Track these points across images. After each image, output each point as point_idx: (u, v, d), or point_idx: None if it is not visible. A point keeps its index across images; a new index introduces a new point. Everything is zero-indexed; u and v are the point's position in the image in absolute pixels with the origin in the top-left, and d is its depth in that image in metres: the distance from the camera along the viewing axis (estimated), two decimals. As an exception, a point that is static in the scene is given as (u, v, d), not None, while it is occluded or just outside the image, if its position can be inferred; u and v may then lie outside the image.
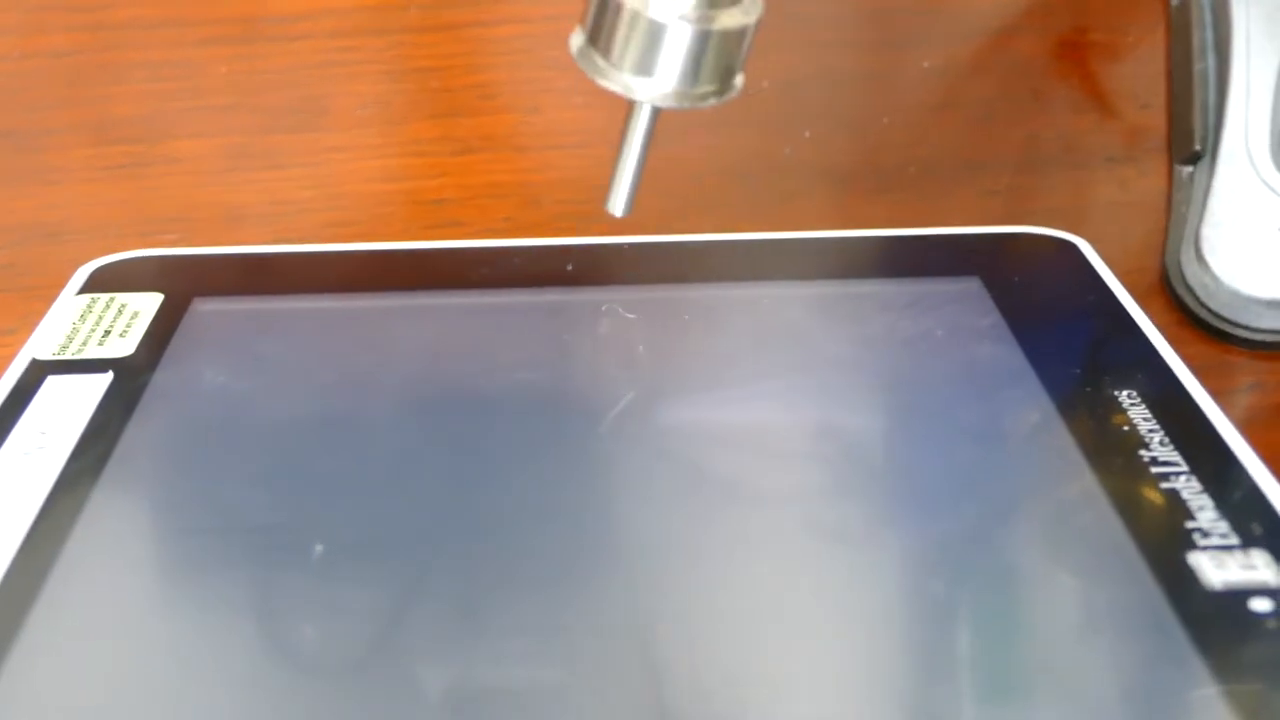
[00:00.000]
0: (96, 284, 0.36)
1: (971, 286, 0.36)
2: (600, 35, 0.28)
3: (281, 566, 0.27)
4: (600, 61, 0.28)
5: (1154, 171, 0.43)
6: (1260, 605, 0.25)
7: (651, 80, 0.27)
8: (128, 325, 0.34)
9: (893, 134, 0.44)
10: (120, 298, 0.35)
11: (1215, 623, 0.25)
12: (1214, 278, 0.38)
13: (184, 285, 0.36)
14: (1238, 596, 0.26)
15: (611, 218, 0.29)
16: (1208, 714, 0.24)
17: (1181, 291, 0.38)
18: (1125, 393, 0.31)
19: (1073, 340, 0.34)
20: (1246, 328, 0.37)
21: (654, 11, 0.27)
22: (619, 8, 0.27)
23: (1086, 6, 0.48)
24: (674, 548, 0.28)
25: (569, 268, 0.36)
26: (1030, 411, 0.31)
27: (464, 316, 0.35)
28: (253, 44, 0.46)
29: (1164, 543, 0.27)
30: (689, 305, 0.35)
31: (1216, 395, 0.32)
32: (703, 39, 0.27)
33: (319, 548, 0.27)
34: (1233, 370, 0.37)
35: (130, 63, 0.45)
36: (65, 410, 0.31)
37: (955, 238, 0.38)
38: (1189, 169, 0.41)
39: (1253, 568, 0.26)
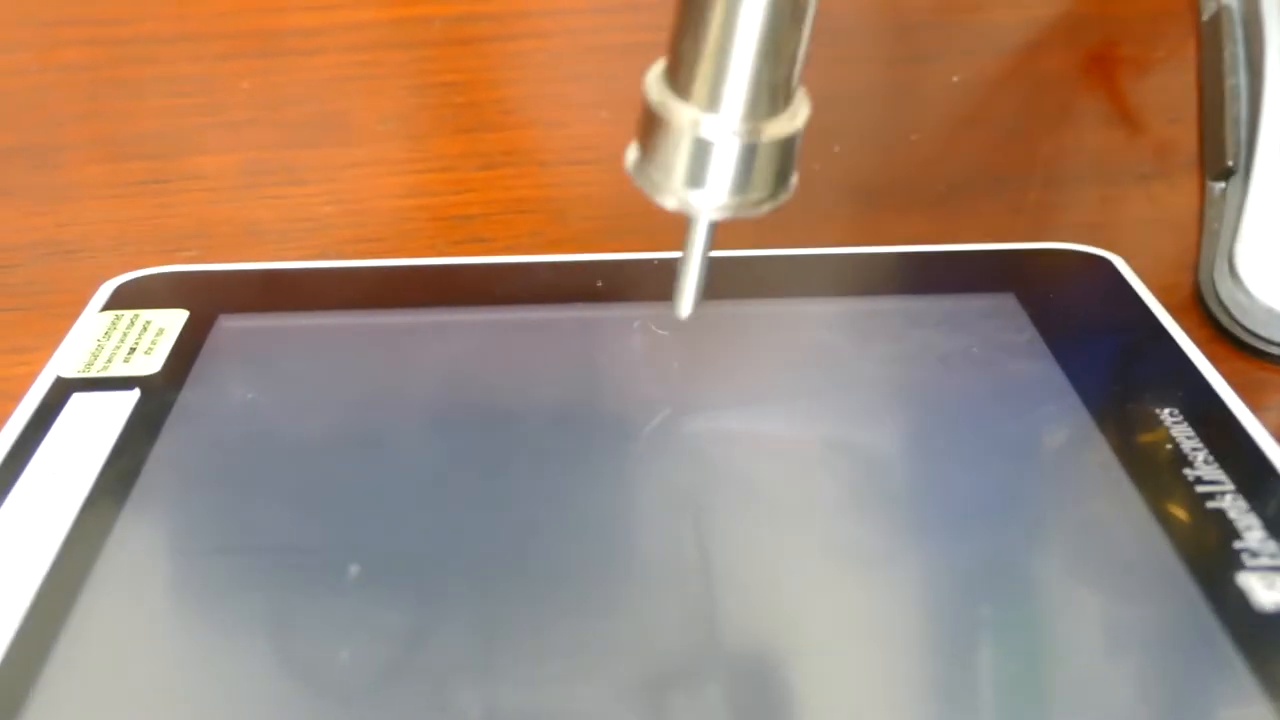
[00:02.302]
0: (120, 300, 0.36)
1: (1006, 303, 0.35)
2: (653, 151, 0.28)
3: (313, 587, 0.27)
4: (656, 176, 0.28)
5: (1185, 187, 0.42)
6: (1313, 626, 0.25)
7: (705, 193, 0.28)
8: (153, 342, 0.34)
9: (921, 149, 0.44)
10: (145, 314, 0.35)
11: (1268, 644, 0.25)
12: (1248, 294, 0.37)
13: (209, 302, 0.35)
14: (1290, 617, 0.25)
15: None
16: (1264, 738, 0.24)
17: (1215, 308, 0.38)
18: (1167, 410, 0.31)
19: (1110, 357, 0.34)
20: (1281, 344, 0.37)
21: (704, 130, 0.27)
22: (667, 126, 0.27)
23: (1115, 20, 0.48)
24: (712, 566, 0.28)
25: (599, 284, 0.36)
26: (1071, 429, 0.31)
27: (493, 333, 0.35)
28: (273, 58, 0.46)
29: (1213, 564, 0.27)
30: (722, 322, 0.35)
31: (1252, 412, 0.31)
32: (751, 152, 0.27)
33: (354, 568, 0.27)
34: (1267, 387, 0.37)
35: (149, 78, 0.45)
36: (91, 428, 0.31)
37: (988, 254, 0.37)
38: (1221, 185, 0.40)
39: (1304, 588, 0.26)
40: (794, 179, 0.29)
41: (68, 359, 0.33)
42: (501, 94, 0.45)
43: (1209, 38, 0.44)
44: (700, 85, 0.27)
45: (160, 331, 0.34)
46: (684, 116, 0.27)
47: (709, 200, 0.28)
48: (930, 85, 0.46)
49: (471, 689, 0.25)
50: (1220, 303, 0.38)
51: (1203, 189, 0.41)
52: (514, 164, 0.43)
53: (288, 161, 0.43)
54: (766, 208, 0.28)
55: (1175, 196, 0.42)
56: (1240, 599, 0.26)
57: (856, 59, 0.46)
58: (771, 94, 0.27)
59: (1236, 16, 0.43)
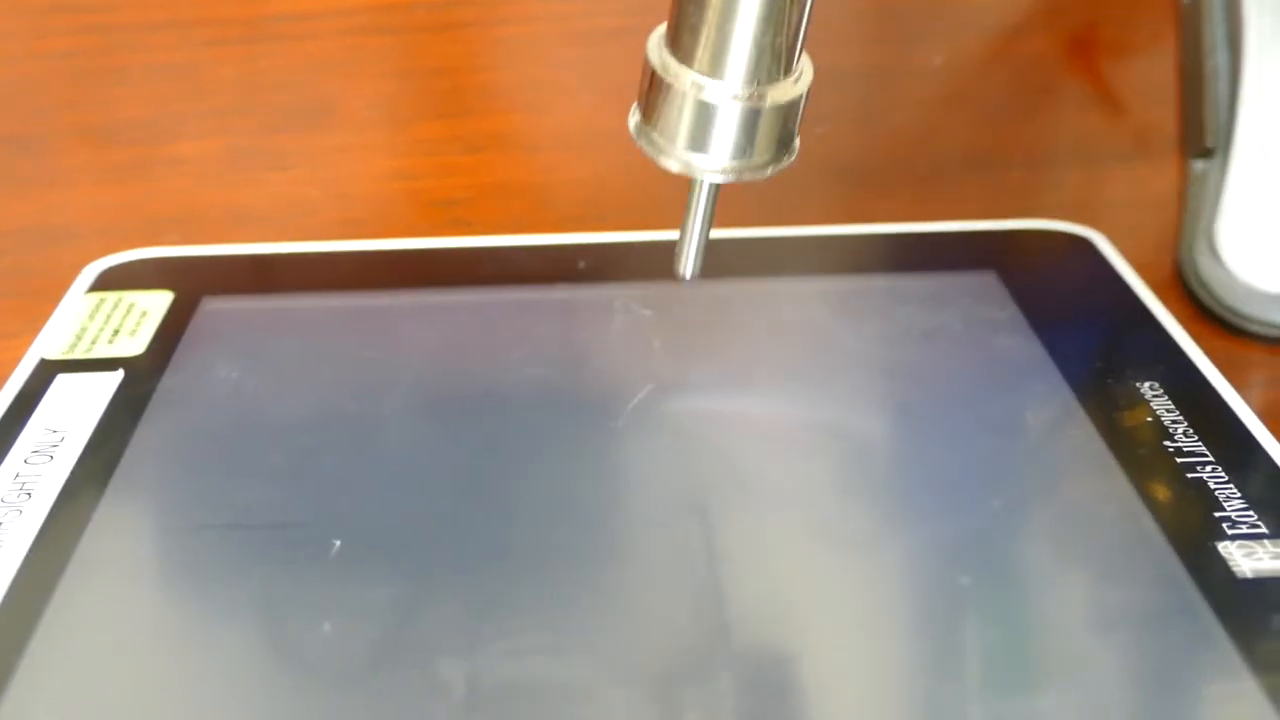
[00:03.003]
0: (105, 283, 0.36)
1: (988, 280, 0.35)
2: (656, 115, 0.28)
3: (296, 565, 0.27)
4: (659, 139, 0.28)
5: (1166, 167, 0.42)
6: (1293, 593, 0.25)
7: (708, 156, 0.28)
8: (137, 324, 0.34)
9: (905, 130, 0.44)
10: (129, 296, 0.35)
11: (1249, 611, 0.25)
12: (1228, 273, 0.37)
13: (193, 284, 0.35)
14: (1269, 584, 0.25)
15: (679, 278, 0.30)
16: (1243, 703, 0.24)
17: (1196, 287, 0.38)
18: (1147, 384, 0.31)
19: (1092, 333, 0.34)
20: (1262, 322, 0.37)
21: (707, 94, 0.27)
22: (671, 90, 0.28)
23: (1097, 2, 0.48)
24: (694, 544, 0.28)
25: (581, 265, 0.36)
26: (1053, 404, 0.31)
27: (476, 314, 0.35)
28: (258, 44, 0.46)
29: (1193, 533, 0.27)
30: (704, 301, 0.35)
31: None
32: (755, 116, 0.28)
33: (336, 544, 0.27)
34: (1248, 365, 0.37)
35: (134, 64, 0.45)
36: (75, 409, 0.31)
37: (970, 233, 0.38)
38: (1202, 164, 0.40)
39: (1283, 556, 0.26)
40: (796, 143, 0.29)
41: (52, 341, 0.33)
42: (486, 79, 0.45)
43: (1189, 18, 0.44)
44: (703, 49, 0.27)
45: (144, 313, 0.34)
46: (686, 80, 0.27)
47: (712, 163, 0.28)
48: (913, 66, 0.46)
49: (456, 664, 0.25)
50: (1201, 280, 0.38)
51: (1183, 169, 0.42)
52: (498, 148, 0.43)
53: (272, 146, 0.43)
54: (769, 171, 0.29)
55: (1156, 176, 0.42)
56: (1221, 567, 0.26)
57: (840, 40, 0.46)
58: (775, 58, 0.27)
59: (1217, -3, 0.43)
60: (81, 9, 0.46)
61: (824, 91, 0.45)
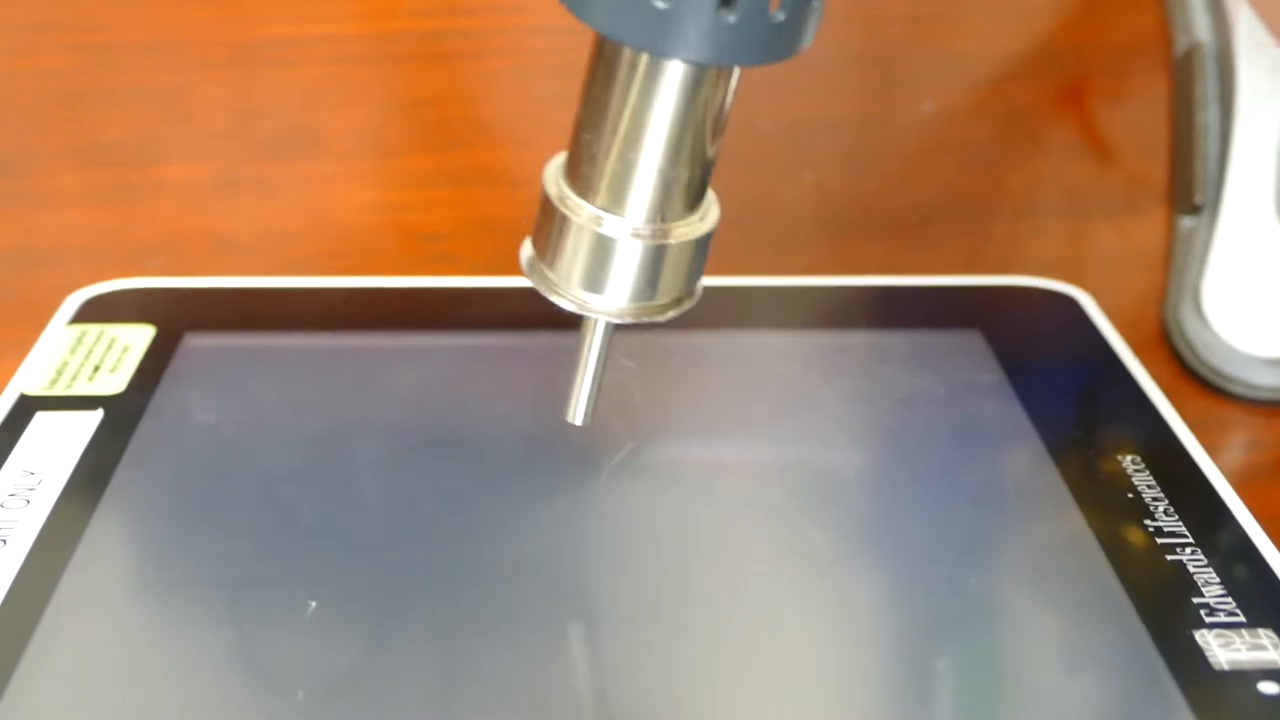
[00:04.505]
0: (87, 314, 0.35)
1: (973, 340, 0.35)
2: (550, 249, 0.27)
3: (273, 619, 0.27)
4: (551, 276, 0.27)
5: (1154, 222, 0.42)
6: (1269, 688, 0.25)
7: (605, 297, 0.27)
8: (118, 360, 0.34)
9: (892, 179, 0.44)
10: (111, 330, 0.35)
11: (1224, 706, 0.25)
12: (1213, 333, 0.37)
13: (176, 318, 0.35)
14: (1246, 678, 0.25)
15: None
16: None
17: (1181, 346, 0.38)
18: (1129, 458, 0.31)
19: (1075, 401, 0.34)
20: (1246, 384, 0.37)
21: (606, 228, 0.26)
22: (566, 223, 0.27)
23: (1089, 54, 0.48)
24: (670, 604, 0.28)
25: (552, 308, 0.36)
26: (1033, 476, 0.31)
27: (463, 359, 0.35)
28: (245, 69, 0.46)
29: (1171, 619, 0.27)
30: (686, 352, 0.35)
31: (1213, 452, 0.32)
32: (657, 255, 0.27)
33: (312, 604, 0.27)
34: (1231, 426, 0.37)
35: (121, 86, 0.45)
36: (54, 449, 0.31)
37: (956, 289, 0.37)
38: (1190, 221, 0.41)
39: (1261, 648, 0.26)
40: (700, 286, 0.28)
41: (32, 375, 0.33)
42: (473, 111, 0.45)
43: (1181, 73, 0.44)
44: (603, 180, 0.26)
45: (126, 349, 0.34)
46: (584, 213, 0.26)
47: (608, 304, 0.27)
48: (902, 114, 0.46)
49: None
50: (1186, 340, 0.38)
51: (1171, 225, 0.42)
52: (484, 182, 0.43)
53: (258, 173, 0.43)
54: (670, 314, 0.28)
55: (1144, 231, 0.42)
56: (1197, 656, 0.26)
57: (829, 87, 0.46)
58: (682, 192, 0.26)
59: (1209, 53, 0.43)
60: (69, 28, 0.46)
61: (812, 138, 0.45)
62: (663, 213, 0.26)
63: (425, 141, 0.45)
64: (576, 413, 0.29)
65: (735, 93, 0.26)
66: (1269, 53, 0.41)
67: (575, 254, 0.27)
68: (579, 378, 0.29)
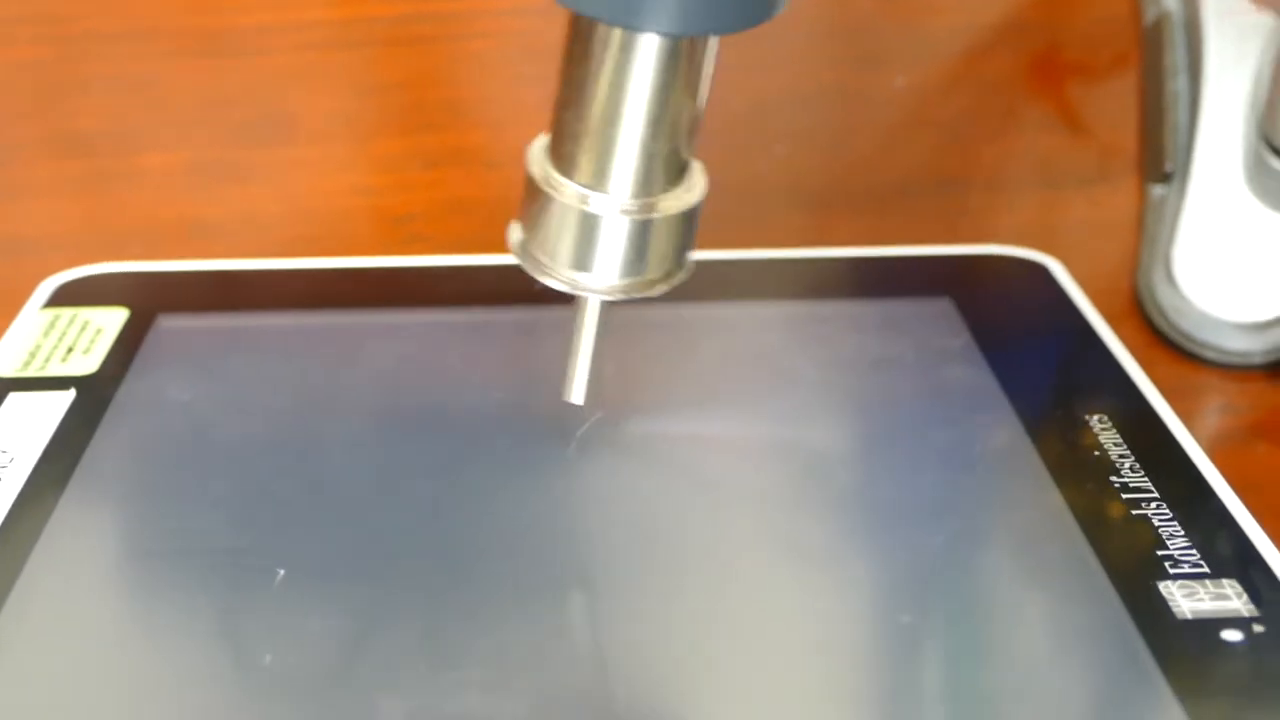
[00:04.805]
0: (61, 298, 0.35)
1: (944, 307, 0.35)
2: (538, 230, 0.27)
3: (247, 589, 0.27)
4: (541, 256, 0.27)
5: (1126, 191, 0.43)
6: (1231, 635, 0.25)
7: (595, 275, 0.27)
8: (91, 341, 0.34)
9: (865, 152, 0.44)
10: (84, 313, 0.35)
11: (1187, 653, 0.25)
12: (1184, 299, 0.37)
13: (149, 301, 0.35)
14: (1209, 626, 0.25)
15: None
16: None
17: (1153, 312, 0.38)
18: (1096, 417, 0.31)
19: (1044, 363, 0.34)
20: (1217, 349, 0.37)
21: (591, 205, 0.26)
22: (552, 204, 0.27)
23: (1060, 26, 0.48)
24: (642, 570, 0.28)
25: (537, 286, 0.36)
26: (1001, 436, 0.31)
27: (433, 335, 0.35)
28: (219, 57, 0.46)
29: (1135, 571, 0.27)
30: (658, 324, 0.35)
31: (1187, 416, 0.32)
32: (644, 229, 0.27)
33: (280, 573, 0.27)
34: (1203, 391, 0.37)
35: (95, 75, 0.45)
36: (27, 428, 0.31)
37: (927, 258, 0.38)
38: (1161, 189, 0.41)
39: (1224, 597, 0.26)
40: (690, 257, 0.28)
41: (5, 358, 0.33)
42: (447, 94, 0.45)
43: (1150, 43, 0.44)
44: (587, 158, 0.26)
45: (99, 331, 0.34)
46: (569, 193, 0.26)
47: (599, 282, 0.27)
48: (874, 88, 0.46)
49: (402, 693, 0.25)
50: (1157, 306, 0.38)
51: (1143, 193, 0.42)
52: (458, 164, 0.43)
53: (232, 160, 0.43)
54: (660, 289, 0.28)
55: (1116, 201, 0.42)
56: (1161, 607, 0.26)
57: (800, 60, 0.46)
58: (665, 165, 0.26)
59: (1177, 22, 0.43)
60: (42, 19, 0.46)
61: (784, 112, 0.45)
62: (647, 187, 0.26)
63: (399, 125, 0.45)
64: (576, 392, 0.29)
65: (715, 62, 0.26)
66: (1236, 20, 0.41)
67: (562, 233, 0.27)
68: (576, 357, 0.29)
